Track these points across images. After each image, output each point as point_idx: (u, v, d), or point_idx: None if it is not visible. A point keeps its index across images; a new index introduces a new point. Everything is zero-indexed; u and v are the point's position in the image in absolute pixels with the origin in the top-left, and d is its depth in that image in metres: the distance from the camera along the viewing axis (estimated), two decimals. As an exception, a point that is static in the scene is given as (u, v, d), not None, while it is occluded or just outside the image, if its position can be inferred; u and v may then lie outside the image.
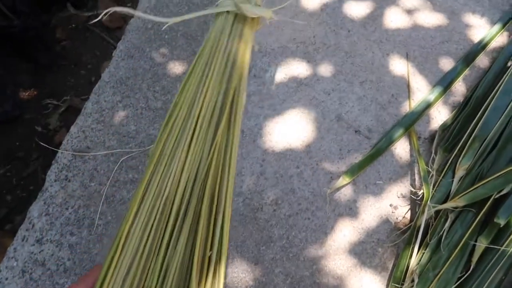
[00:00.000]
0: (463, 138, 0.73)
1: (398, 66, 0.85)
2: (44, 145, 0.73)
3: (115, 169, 0.72)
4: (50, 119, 1.26)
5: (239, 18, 0.37)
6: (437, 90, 0.81)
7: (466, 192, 0.65)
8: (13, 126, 1.25)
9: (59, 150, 0.74)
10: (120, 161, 0.73)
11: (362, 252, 0.68)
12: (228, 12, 0.37)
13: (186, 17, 0.37)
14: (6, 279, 0.64)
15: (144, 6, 0.91)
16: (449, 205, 0.65)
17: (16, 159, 1.20)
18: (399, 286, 0.62)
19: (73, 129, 0.76)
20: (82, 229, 0.68)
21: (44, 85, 1.33)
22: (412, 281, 0.61)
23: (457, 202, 0.65)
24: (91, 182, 0.71)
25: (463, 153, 0.71)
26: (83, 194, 0.70)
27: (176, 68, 0.83)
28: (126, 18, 1.46)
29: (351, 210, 0.71)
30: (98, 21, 1.47)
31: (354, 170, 0.73)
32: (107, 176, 0.72)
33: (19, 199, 1.14)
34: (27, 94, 1.32)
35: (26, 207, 1.09)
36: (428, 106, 0.79)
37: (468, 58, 0.85)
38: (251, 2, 0.37)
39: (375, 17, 0.91)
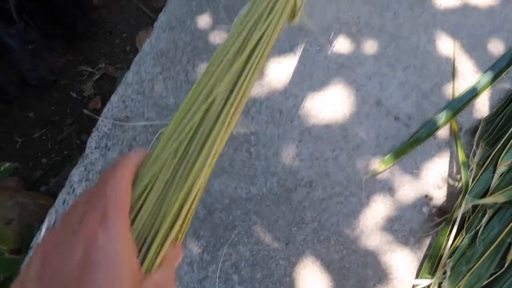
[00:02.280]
0: (508, 133, 0.70)
1: (444, 53, 0.82)
2: (89, 113, 0.75)
3: (153, 140, 0.73)
4: (85, 86, 1.28)
5: None
6: (484, 81, 0.78)
7: (507, 188, 0.64)
8: (49, 91, 1.28)
9: (99, 118, 0.75)
10: (158, 133, 0.74)
11: (394, 240, 0.67)
12: None
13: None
14: (47, 239, 0.67)
15: (186, -23, 0.90)
16: (488, 200, 0.64)
17: (51, 123, 1.23)
18: (430, 276, 0.62)
19: (113, 98, 0.77)
20: (119, 197, 0.70)
21: (79, 52, 1.35)
22: (444, 273, 0.61)
23: (497, 198, 0.64)
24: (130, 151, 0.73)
25: (506, 148, 0.69)
26: (122, 163, 0.72)
27: (217, 42, 0.82)
28: (162, -12, 1.46)
29: (385, 198, 0.70)
30: (134, -11, 1.47)
31: (391, 158, 0.72)
32: (145, 147, 0.73)
33: (53, 162, 1.18)
34: (63, 60, 1.35)
35: (61, 170, 1.13)
36: (472, 97, 0.77)
37: (519, 49, 0.81)
38: None
39: None
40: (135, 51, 1.36)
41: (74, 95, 1.27)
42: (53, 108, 1.26)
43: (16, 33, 1.20)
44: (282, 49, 0.82)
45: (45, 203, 1.02)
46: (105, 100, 1.26)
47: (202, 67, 0.80)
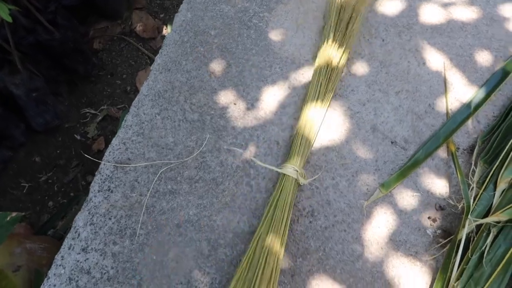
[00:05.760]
0: (505, 150, 0.71)
1: (435, 75, 0.84)
2: (91, 158, 0.76)
3: (154, 180, 0.75)
4: (89, 127, 1.31)
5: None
6: (477, 99, 0.79)
7: (509, 206, 0.64)
8: (53, 134, 1.31)
9: (101, 162, 0.77)
10: (160, 172, 0.75)
11: (400, 265, 0.67)
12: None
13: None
14: (54, 286, 0.67)
15: (181, 20, 0.93)
16: (491, 219, 0.64)
17: (57, 166, 1.26)
18: (440, 301, 0.61)
19: (114, 141, 0.79)
20: (124, 238, 0.70)
21: (82, 95, 1.39)
22: (453, 297, 0.60)
23: (500, 217, 0.64)
24: (132, 192, 0.74)
25: (505, 165, 0.69)
26: (125, 205, 0.73)
27: (212, 80, 0.85)
28: (159, 29, 1.51)
29: (388, 223, 0.70)
30: (132, 32, 1.52)
31: (391, 182, 0.72)
32: (147, 187, 0.74)
33: (60, 205, 1.19)
34: (66, 103, 1.38)
35: (67, 213, 1.15)
36: (467, 116, 0.78)
37: (509, 65, 0.82)
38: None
39: (411, 25, 0.90)
40: (136, 91, 1.40)
41: (78, 137, 1.30)
42: (58, 151, 1.28)
43: (21, 82, 1.24)
44: (276, 81, 0.84)
45: (53, 247, 1.02)
46: (108, 141, 1.29)
47: (198, 105, 0.82)
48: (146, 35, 1.50)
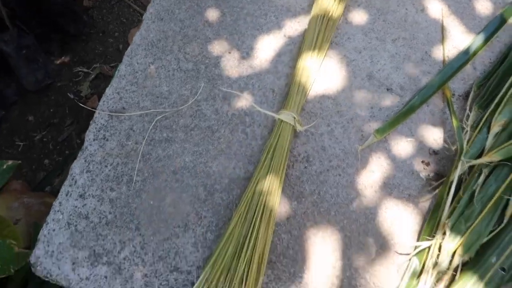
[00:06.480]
0: (500, 94, 0.71)
1: (432, 22, 0.83)
2: (85, 106, 0.75)
3: (150, 128, 0.75)
4: (82, 86, 1.30)
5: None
6: (474, 46, 0.79)
7: (501, 147, 0.64)
8: (46, 93, 1.29)
9: (96, 111, 0.76)
10: (155, 120, 0.75)
11: (393, 207, 0.68)
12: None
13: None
14: (54, 230, 0.68)
15: (172, -32, 0.90)
16: (483, 160, 0.65)
17: (51, 125, 1.25)
18: (431, 238, 0.63)
19: (108, 90, 0.78)
20: (121, 185, 0.71)
21: (74, 54, 1.36)
22: (444, 233, 0.62)
23: (492, 157, 0.64)
24: (128, 141, 0.74)
25: (499, 109, 0.70)
26: (121, 152, 0.73)
27: (206, 29, 0.83)
28: (151, -16, 1.46)
29: (382, 167, 0.71)
30: (123, -12, 1.48)
31: (386, 128, 0.73)
32: (143, 135, 0.74)
33: (56, 163, 1.19)
34: (58, 62, 1.36)
35: (63, 170, 1.15)
36: (463, 62, 0.77)
37: (507, 12, 0.81)
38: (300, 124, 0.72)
39: (408, -29, 0.88)
40: (129, 49, 1.37)
41: (72, 96, 1.29)
42: (51, 110, 1.27)
43: (10, 39, 1.21)
44: (271, 29, 0.83)
45: (51, 201, 1.03)
46: (102, 99, 1.27)
47: (193, 54, 0.81)
48: (137, -9, 1.45)
